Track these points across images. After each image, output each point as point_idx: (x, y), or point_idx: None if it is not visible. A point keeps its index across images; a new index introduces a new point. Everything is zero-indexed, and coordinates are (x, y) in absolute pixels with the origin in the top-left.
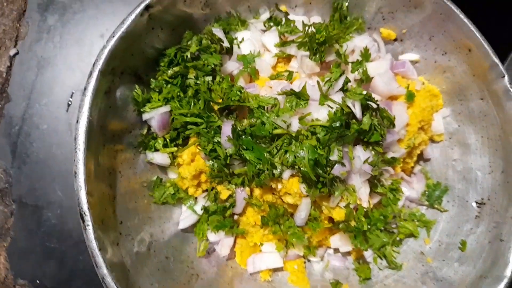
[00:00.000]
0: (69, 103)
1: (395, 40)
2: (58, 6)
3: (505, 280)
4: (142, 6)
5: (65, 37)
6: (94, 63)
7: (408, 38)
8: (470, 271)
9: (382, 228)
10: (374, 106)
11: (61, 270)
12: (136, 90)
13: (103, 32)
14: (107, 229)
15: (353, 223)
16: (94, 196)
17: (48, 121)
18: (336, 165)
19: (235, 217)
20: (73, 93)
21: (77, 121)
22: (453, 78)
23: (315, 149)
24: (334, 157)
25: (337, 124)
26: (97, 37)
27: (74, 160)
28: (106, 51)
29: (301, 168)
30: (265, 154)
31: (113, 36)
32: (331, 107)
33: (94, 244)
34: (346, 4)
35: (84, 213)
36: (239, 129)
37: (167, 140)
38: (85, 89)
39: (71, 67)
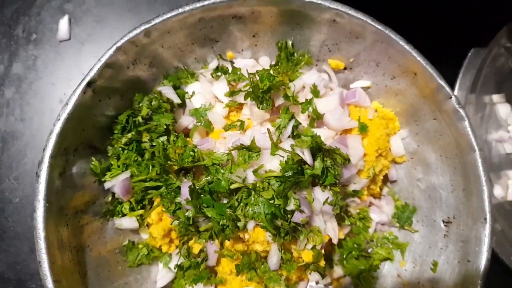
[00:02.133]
0: (38, 173)
1: (345, 69)
2: (13, 79)
3: None
4: (83, 84)
5: (25, 108)
6: (44, 149)
7: (356, 66)
8: None
9: (357, 256)
10: (325, 152)
11: None
12: (93, 162)
13: (61, 97)
14: None
15: (322, 263)
16: (61, 281)
17: (19, 194)
18: (296, 212)
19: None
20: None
21: (34, 210)
22: (405, 101)
23: (271, 202)
24: (291, 206)
25: (290, 173)
26: (56, 103)
27: (36, 250)
28: (53, 136)
29: (260, 224)
30: (226, 210)
31: (59, 119)
32: (283, 156)
33: None
34: (291, 42)
35: None
36: (198, 187)
37: (133, 203)
38: (37, 175)
39: (35, 138)
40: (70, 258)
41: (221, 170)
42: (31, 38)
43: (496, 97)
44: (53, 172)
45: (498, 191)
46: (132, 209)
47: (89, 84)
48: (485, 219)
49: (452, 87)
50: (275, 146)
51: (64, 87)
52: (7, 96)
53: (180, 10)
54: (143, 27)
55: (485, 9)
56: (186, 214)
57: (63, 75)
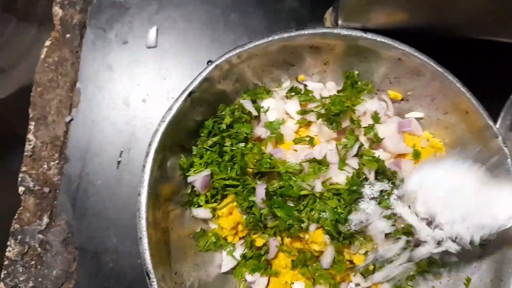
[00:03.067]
0: (119, 161)
1: (402, 100)
2: (104, 77)
3: None
4: (186, 93)
5: (111, 104)
6: (150, 144)
7: (412, 98)
8: None
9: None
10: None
11: None
12: (182, 159)
13: (144, 97)
14: (166, 281)
15: (371, 268)
16: (155, 256)
17: (101, 177)
18: (355, 221)
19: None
20: (121, 152)
21: (139, 194)
22: (454, 134)
23: (336, 210)
24: (352, 216)
25: (354, 188)
26: (139, 101)
27: (138, 228)
28: (158, 134)
29: (325, 227)
30: (294, 212)
31: (164, 121)
32: (349, 172)
33: None
34: (357, 72)
35: (150, 272)
36: (271, 190)
37: (208, 197)
38: (143, 166)
39: (118, 129)
40: (160, 237)
41: (293, 178)
42: (123, 42)
43: None
44: (154, 164)
45: None
46: (207, 202)
47: (190, 94)
48: None
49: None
50: (343, 162)
51: (146, 88)
52: (98, 91)
53: (270, 38)
54: (238, 50)
55: None
56: (261, 212)
57: (147, 78)
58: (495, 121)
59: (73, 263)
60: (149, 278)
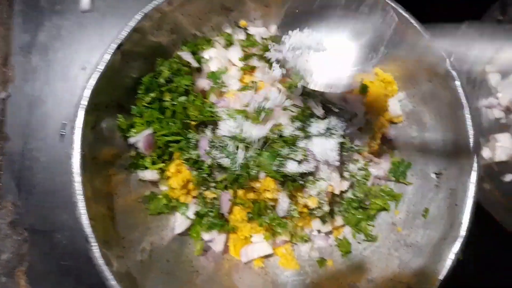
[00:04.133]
0: (62, 133)
1: None
2: (39, 47)
3: (460, 239)
4: (115, 45)
5: (50, 74)
6: (77, 104)
7: None
8: (433, 235)
9: (356, 206)
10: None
11: (79, 284)
12: (120, 119)
13: (84, 65)
14: (110, 246)
15: (327, 209)
16: (95, 219)
17: (46, 153)
18: (303, 162)
19: (226, 215)
20: (65, 124)
21: (70, 157)
22: (403, 66)
23: (275, 154)
24: (298, 156)
25: (299, 124)
26: (79, 70)
27: (72, 192)
28: (86, 92)
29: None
30: (241, 160)
31: (91, 78)
32: (293, 111)
33: (100, 261)
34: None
35: (88, 236)
36: (215, 141)
37: (154, 157)
38: (72, 127)
39: (59, 101)
40: (101, 202)
41: (236, 123)
42: (55, 9)
43: (488, 67)
44: (86, 125)
45: (486, 153)
46: (153, 163)
47: (119, 47)
48: (471, 167)
49: None
50: (287, 102)
51: (86, 56)
52: (34, 63)
53: None
54: None
55: None
56: (205, 164)
57: (86, 44)
58: None
59: (24, 245)
60: (89, 243)
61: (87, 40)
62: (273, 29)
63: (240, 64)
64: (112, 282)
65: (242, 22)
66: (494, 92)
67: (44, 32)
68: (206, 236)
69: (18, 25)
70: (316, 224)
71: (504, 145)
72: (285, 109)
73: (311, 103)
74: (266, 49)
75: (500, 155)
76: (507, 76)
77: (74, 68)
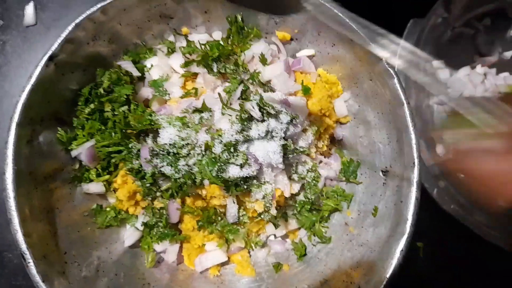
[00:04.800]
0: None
1: (291, 39)
2: None
3: (405, 235)
4: (46, 57)
5: None
6: (11, 118)
7: (301, 36)
8: (382, 233)
9: (309, 208)
10: (271, 110)
11: None
12: (59, 132)
13: None
14: (50, 262)
15: (273, 212)
16: (32, 236)
17: None
18: (245, 166)
19: (178, 225)
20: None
21: (3, 173)
22: (345, 66)
23: (214, 159)
24: (239, 161)
25: (237, 128)
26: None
27: (7, 209)
28: (19, 106)
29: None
30: (183, 168)
31: (23, 90)
32: (230, 115)
33: (37, 278)
34: (240, 17)
35: (24, 253)
36: (156, 149)
37: (99, 169)
38: (6, 142)
39: (5, 117)
40: (41, 218)
41: (178, 130)
42: None
43: (436, 64)
44: (20, 140)
45: (440, 150)
46: (98, 175)
47: (51, 58)
48: (414, 163)
49: None
50: (225, 106)
51: (32, 70)
52: None
53: None
54: (99, 5)
55: None
56: (147, 173)
57: (31, 58)
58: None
59: None
60: (24, 260)
61: (33, 54)
62: (217, 35)
63: (182, 71)
64: None
65: (184, 29)
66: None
67: None
68: (158, 247)
69: None
70: (269, 228)
71: None
72: (223, 113)
73: (247, 106)
74: (206, 55)
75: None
76: (456, 72)
77: (20, 84)
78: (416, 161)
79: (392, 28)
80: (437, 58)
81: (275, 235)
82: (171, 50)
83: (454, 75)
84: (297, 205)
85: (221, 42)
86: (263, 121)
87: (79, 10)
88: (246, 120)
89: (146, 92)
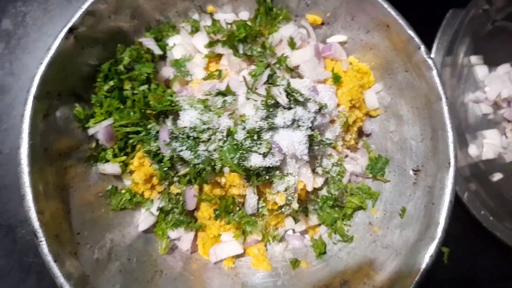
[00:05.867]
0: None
1: (323, 24)
2: (2, 34)
3: (437, 240)
4: (66, 29)
5: (14, 63)
6: (28, 90)
7: (333, 21)
8: (410, 235)
9: (332, 205)
10: (299, 97)
11: (41, 282)
12: (77, 109)
13: None
14: (62, 241)
15: (295, 206)
16: (45, 213)
17: (9, 145)
18: (268, 156)
19: (195, 212)
20: None
21: (18, 147)
22: (380, 54)
23: (236, 146)
24: (262, 149)
25: (263, 114)
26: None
27: (20, 183)
28: (36, 78)
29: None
30: (203, 153)
31: (41, 63)
32: (255, 100)
33: (48, 258)
34: None
35: (36, 231)
36: (176, 132)
37: (116, 150)
38: (22, 115)
39: (24, 91)
40: (54, 196)
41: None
42: None
43: (473, 59)
44: (37, 114)
45: (473, 150)
46: (115, 156)
47: (70, 30)
48: (449, 163)
49: (429, 48)
50: (250, 90)
51: (51, 42)
52: None
53: None
54: None
55: None
56: (165, 156)
57: (51, 31)
58: (430, 47)
59: None
60: (37, 238)
61: (53, 27)
62: (244, 15)
63: (205, 51)
64: (61, 280)
65: (210, 8)
66: (482, 86)
67: (8, 18)
68: (172, 234)
69: None
70: (289, 222)
71: (492, 142)
72: (248, 98)
73: (274, 91)
74: (232, 35)
75: (488, 153)
76: (494, 69)
77: (39, 56)
78: (452, 161)
79: (430, 17)
80: (475, 53)
81: (293, 230)
82: (195, 29)
83: (493, 72)
84: (319, 200)
85: (248, 23)
86: (289, 108)
87: None
88: (272, 106)
89: (167, 71)
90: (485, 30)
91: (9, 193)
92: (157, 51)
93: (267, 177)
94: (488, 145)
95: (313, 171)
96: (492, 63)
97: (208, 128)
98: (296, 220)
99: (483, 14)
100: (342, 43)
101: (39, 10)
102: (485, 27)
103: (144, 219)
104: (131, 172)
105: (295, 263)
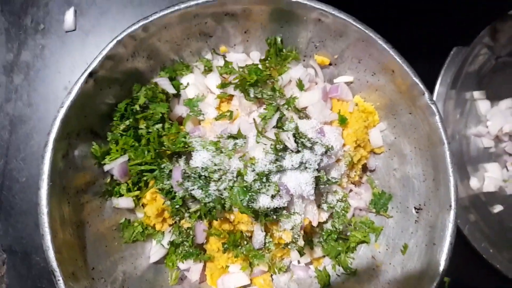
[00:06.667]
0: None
1: (330, 64)
2: (22, 66)
3: (437, 280)
4: (86, 74)
5: (32, 94)
6: (48, 132)
7: (340, 62)
8: (411, 273)
9: (336, 238)
10: (307, 142)
11: None
12: (94, 147)
13: (66, 84)
14: (78, 278)
15: (301, 243)
16: (62, 252)
17: (26, 174)
18: (276, 197)
19: (204, 244)
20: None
21: (38, 188)
22: (384, 96)
23: (245, 189)
24: (271, 191)
25: (272, 157)
26: (61, 90)
27: (39, 224)
28: (57, 121)
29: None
30: (213, 193)
31: (62, 106)
32: (265, 144)
33: None
34: (280, 39)
35: (54, 270)
36: (188, 172)
37: (130, 185)
38: (42, 157)
39: (41, 122)
40: (71, 233)
41: (211, 155)
42: (39, 28)
43: (476, 94)
44: (56, 154)
45: (474, 183)
46: (129, 190)
47: (90, 74)
48: (450, 206)
49: (433, 83)
50: (260, 134)
51: (69, 75)
52: (16, 82)
53: (176, 7)
54: (141, 23)
55: (467, 10)
56: (176, 194)
57: (68, 64)
58: (434, 82)
59: (2, 267)
60: (55, 277)
61: (70, 59)
62: (255, 56)
63: (217, 91)
64: None
65: (222, 48)
66: (484, 120)
67: (27, 51)
68: (182, 265)
69: (0, 43)
70: (294, 255)
71: (493, 175)
72: (258, 142)
73: (283, 136)
74: (244, 80)
75: (489, 186)
76: (497, 104)
77: (56, 88)
78: (453, 204)
79: (434, 55)
80: (478, 88)
81: (299, 261)
82: (208, 69)
83: (495, 107)
84: (323, 233)
85: (260, 66)
86: (297, 152)
87: (117, 18)
88: (281, 150)
89: (181, 110)
90: (489, 66)
91: (25, 220)
92: (171, 90)
93: (274, 217)
94: (489, 178)
95: (319, 206)
96: (495, 97)
97: (219, 169)
98: (301, 254)
99: (487, 50)
100: (348, 83)
101: (57, 42)
102: (489, 63)
103: (155, 251)
104: (144, 205)
105: None
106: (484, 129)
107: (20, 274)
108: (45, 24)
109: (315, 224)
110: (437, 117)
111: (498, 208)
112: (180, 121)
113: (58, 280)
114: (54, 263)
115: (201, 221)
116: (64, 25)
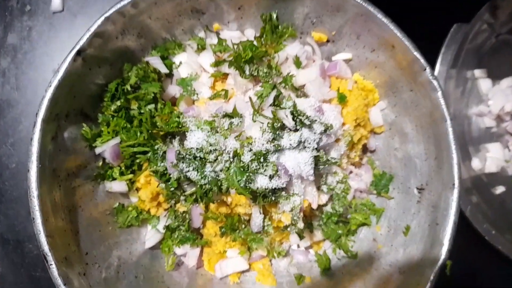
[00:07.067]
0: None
1: (328, 41)
2: (8, 49)
3: (441, 261)
4: (74, 52)
5: (19, 77)
6: (36, 113)
7: (338, 39)
8: (414, 254)
9: (336, 221)
10: (305, 120)
11: None
12: (84, 128)
13: (54, 67)
14: (71, 263)
15: (301, 225)
16: (54, 236)
17: (15, 159)
18: (274, 178)
19: (200, 229)
20: None
21: (28, 170)
22: (384, 73)
23: (243, 169)
24: (269, 171)
25: (269, 136)
26: (50, 72)
27: (30, 208)
28: (45, 101)
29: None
30: (209, 174)
31: (50, 86)
32: (262, 122)
33: (58, 281)
34: (275, 15)
35: (46, 254)
36: (182, 153)
37: (123, 168)
38: (31, 139)
39: (29, 105)
40: (63, 217)
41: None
42: (25, 10)
43: (477, 72)
44: (45, 136)
45: (476, 164)
46: (122, 174)
47: (78, 52)
48: (453, 184)
49: (434, 62)
50: (256, 112)
51: (57, 58)
52: (3, 65)
53: None
54: None
55: None
56: (171, 176)
57: (57, 45)
58: (434, 60)
59: None
60: (47, 261)
61: (59, 41)
62: (249, 33)
63: (211, 70)
64: None
65: (216, 26)
66: (485, 99)
67: (14, 33)
68: (178, 250)
69: None
70: (294, 238)
71: (495, 155)
72: (254, 120)
73: (281, 114)
74: (238, 56)
75: (491, 166)
76: (498, 82)
77: (44, 71)
78: (456, 182)
79: (435, 32)
80: (479, 67)
81: (298, 245)
82: (201, 47)
83: (496, 86)
84: (323, 216)
85: (255, 42)
86: (296, 130)
87: None
88: (278, 129)
89: (174, 90)
90: (489, 44)
91: (17, 207)
92: (164, 70)
93: (273, 198)
94: (491, 158)
95: (318, 188)
96: (496, 76)
97: (215, 150)
98: (301, 237)
99: (487, 28)
100: (347, 61)
101: (44, 24)
102: (489, 41)
103: (150, 236)
104: (138, 190)
105: (299, 278)
106: (485, 108)
107: (13, 262)
108: (32, 5)
109: (314, 206)
110: (439, 93)
111: (500, 189)
112: (174, 101)
113: (51, 264)
114: (46, 247)
115: (197, 205)
116: (51, 6)
